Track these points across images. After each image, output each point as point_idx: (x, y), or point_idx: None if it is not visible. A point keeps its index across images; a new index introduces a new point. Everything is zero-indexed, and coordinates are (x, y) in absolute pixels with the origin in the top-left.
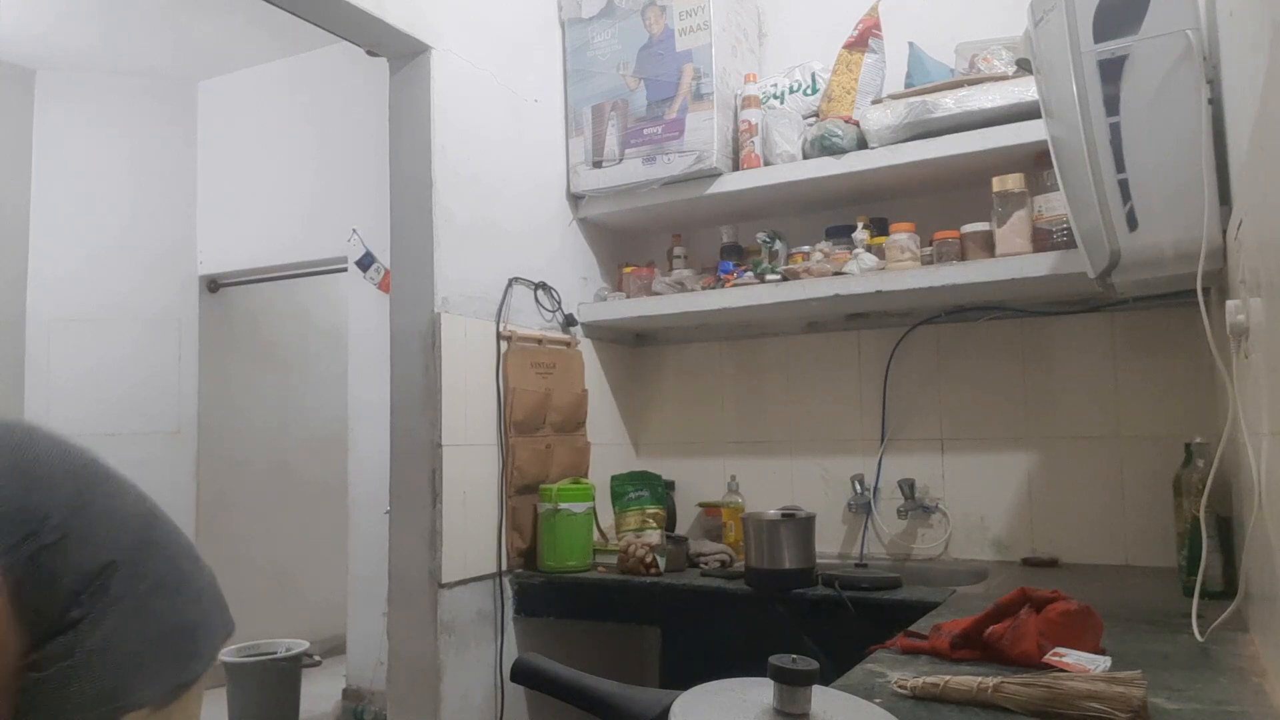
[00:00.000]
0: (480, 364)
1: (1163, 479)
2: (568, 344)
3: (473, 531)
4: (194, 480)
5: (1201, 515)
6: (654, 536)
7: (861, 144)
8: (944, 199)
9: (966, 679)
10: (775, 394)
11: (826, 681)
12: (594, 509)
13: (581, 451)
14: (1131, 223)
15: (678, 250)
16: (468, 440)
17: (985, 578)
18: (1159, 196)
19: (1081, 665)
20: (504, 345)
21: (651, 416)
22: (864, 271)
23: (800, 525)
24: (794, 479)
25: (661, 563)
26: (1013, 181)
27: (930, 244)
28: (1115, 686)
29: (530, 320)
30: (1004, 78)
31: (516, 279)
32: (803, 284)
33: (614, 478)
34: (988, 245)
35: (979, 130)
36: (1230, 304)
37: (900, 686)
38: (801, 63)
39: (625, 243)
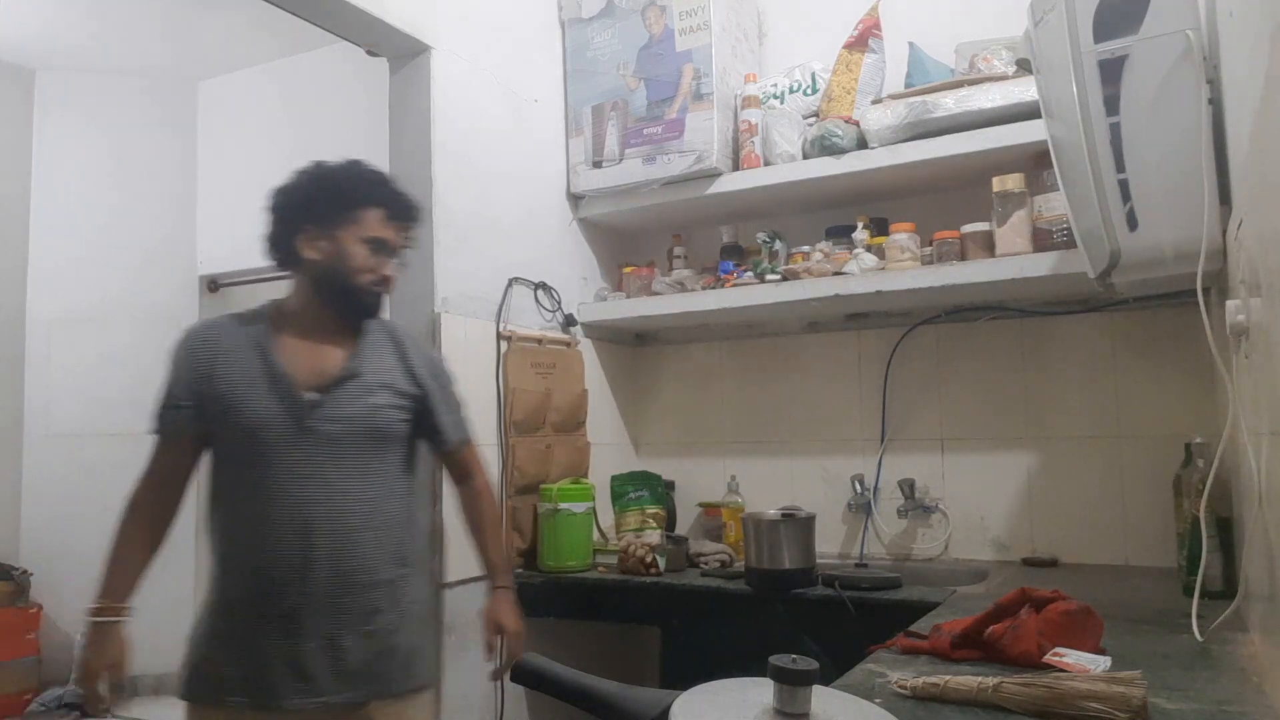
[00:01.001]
0: (480, 364)
1: (1163, 479)
2: (568, 344)
3: None
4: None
5: (1201, 515)
6: (654, 536)
7: (861, 144)
8: (944, 199)
9: (966, 679)
10: (775, 394)
11: (826, 681)
12: (594, 509)
13: (581, 451)
14: (1131, 223)
15: (678, 250)
16: None
17: (985, 578)
18: (1159, 196)
19: (1081, 665)
20: (504, 345)
21: (651, 416)
22: (864, 271)
23: (800, 525)
24: (794, 479)
25: (661, 563)
26: (1013, 181)
27: (930, 244)
28: (1115, 686)
29: (530, 320)
30: (1004, 78)
31: (516, 279)
32: (803, 284)
33: (614, 478)
34: (988, 245)
35: (979, 130)
36: (1230, 304)
37: (900, 686)
38: (801, 63)
39: (625, 243)
